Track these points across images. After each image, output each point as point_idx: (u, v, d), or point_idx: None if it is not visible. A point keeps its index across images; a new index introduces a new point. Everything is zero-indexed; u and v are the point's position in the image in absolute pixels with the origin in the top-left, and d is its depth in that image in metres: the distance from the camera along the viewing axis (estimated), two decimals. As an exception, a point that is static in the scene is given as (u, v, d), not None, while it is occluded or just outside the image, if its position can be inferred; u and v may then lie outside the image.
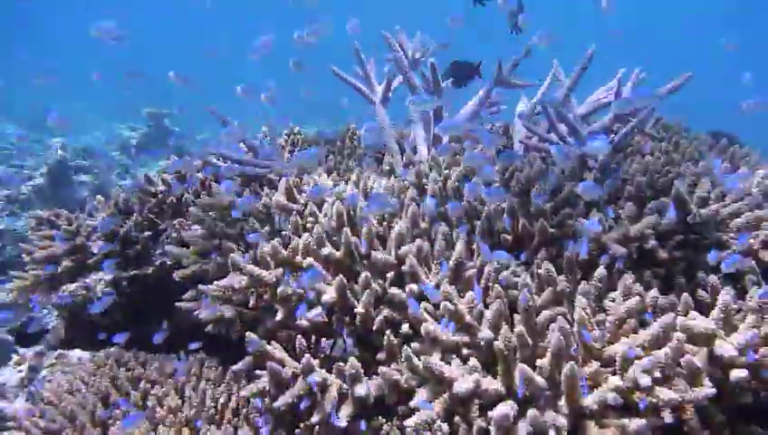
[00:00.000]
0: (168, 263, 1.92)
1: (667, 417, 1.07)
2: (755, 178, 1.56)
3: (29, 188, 4.56)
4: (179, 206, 2.03)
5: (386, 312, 1.37)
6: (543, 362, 1.17)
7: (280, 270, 1.47)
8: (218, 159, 1.96)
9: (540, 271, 1.34)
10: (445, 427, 1.13)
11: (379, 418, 1.23)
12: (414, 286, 1.35)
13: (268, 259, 1.48)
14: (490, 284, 1.36)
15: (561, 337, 1.14)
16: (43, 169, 4.80)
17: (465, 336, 1.26)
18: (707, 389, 1.08)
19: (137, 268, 1.97)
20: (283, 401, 1.26)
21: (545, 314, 1.27)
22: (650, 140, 1.85)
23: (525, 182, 1.54)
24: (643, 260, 1.39)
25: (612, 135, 1.75)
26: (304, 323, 1.38)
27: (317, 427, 1.23)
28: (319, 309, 1.38)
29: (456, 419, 1.15)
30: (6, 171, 4.71)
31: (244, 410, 1.37)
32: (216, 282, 1.54)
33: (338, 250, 1.45)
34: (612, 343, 1.20)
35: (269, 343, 1.36)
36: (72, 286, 1.96)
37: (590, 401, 1.10)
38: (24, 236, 3.53)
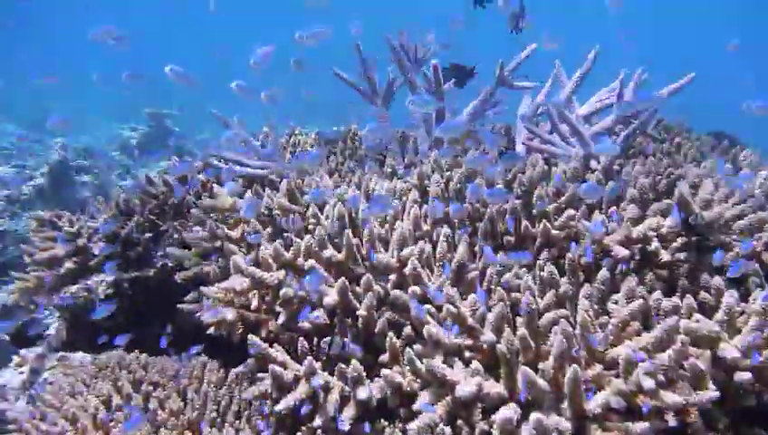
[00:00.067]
0: (170, 264, 1.92)
1: (671, 420, 1.07)
2: (758, 180, 1.55)
3: (30, 189, 4.56)
4: (181, 207, 2.03)
5: (388, 314, 1.37)
6: (546, 365, 1.17)
7: (282, 272, 1.46)
8: (219, 161, 1.96)
9: (542, 273, 1.34)
10: (447, 430, 1.13)
11: (382, 421, 1.23)
12: (416, 288, 1.35)
13: (270, 261, 1.48)
14: (492, 286, 1.36)
15: (564, 340, 1.14)
16: (43, 170, 4.81)
17: (467, 339, 1.25)
18: (711, 392, 1.07)
19: (138, 270, 1.97)
20: (284, 404, 1.26)
21: (548, 316, 1.27)
22: (652, 142, 1.85)
23: (528, 184, 1.54)
24: (646, 262, 1.39)
25: (614, 137, 1.75)
26: (306, 325, 1.38)
27: (319, 430, 1.23)
28: (321, 311, 1.38)
29: (459, 422, 1.15)
30: (8, 172, 4.71)
31: (246, 412, 1.37)
32: (217, 284, 1.54)
33: (339, 252, 1.45)
34: (615, 346, 1.20)
35: (271, 346, 1.36)
36: (73, 288, 1.96)
37: (593, 404, 1.10)
38: (25, 237, 3.54)
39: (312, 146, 2.31)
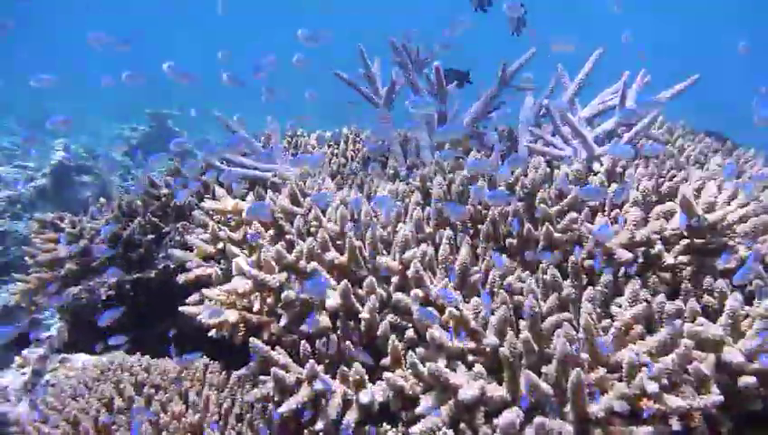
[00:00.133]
0: (172, 266, 1.92)
1: (675, 424, 1.07)
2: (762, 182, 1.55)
3: (31, 190, 4.56)
4: (183, 209, 2.03)
5: (390, 317, 1.36)
6: (549, 368, 1.17)
7: (284, 274, 1.46)
8: (221, 162, 1.96)
9: (545, 276, 1.33)
10: (450, 434, 1.12)
11: (384, 424, 1.23)
12: (418, 291, 1.35)
13: (272, 263, 1.47)
14: (495, 289, 1.36)
15: (567, 343, 1.14)
16: (45, 170, 4.81)
17: (470, 342, 1.25)
18: (715, 396, 1.07)
19: (140, 271, 1.97)
20: (287, 407, 1.26)
21: (551, 319, 1.26)
22: (656, 144, 1.85)
23: (530, 186, 1.53)
24: (649, 265, 1.39)
25: (616, 139, 1.75)
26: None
27: (321, 434, 1.23)
28: (323, 314, 1.37)
29: (462, 425, 1.15)
30: (9, 172, 4.71)
31: (248, 415, 1.36)
32: (219, 286, 1.54)
33: (342, 255, 1.45)
34: (619, 350, 1.19)
35: (273, 348, 1.35)
36: (75, 289, 1.96)
37: (596, 407, 1.10)
38: (26, 238, 3.53)
39: (314, 147, 2.31)
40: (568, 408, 1.12)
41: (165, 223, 2.04)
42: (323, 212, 1.60)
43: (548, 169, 1.60)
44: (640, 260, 1.38)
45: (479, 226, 1.53)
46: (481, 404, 1.15)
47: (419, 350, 1.27)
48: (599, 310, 1.27)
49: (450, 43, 2.11)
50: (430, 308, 1.30)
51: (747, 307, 1.21)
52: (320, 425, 1.23)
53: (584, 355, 1.19)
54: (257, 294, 1.49)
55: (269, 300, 1.49)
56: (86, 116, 8.79)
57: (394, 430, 1.22)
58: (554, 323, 1.25)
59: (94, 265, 2.02)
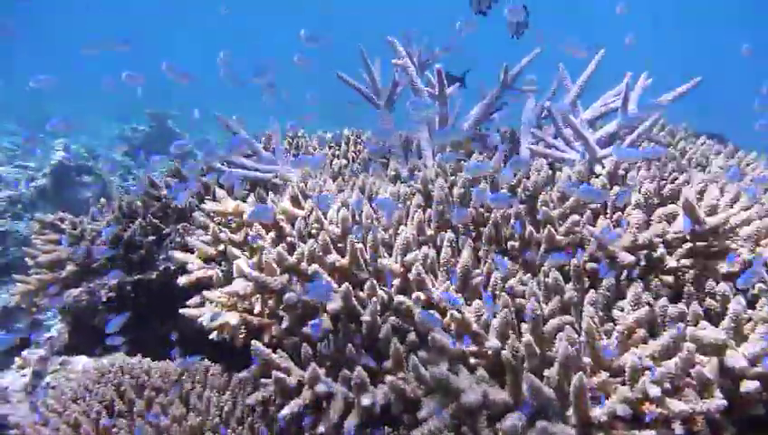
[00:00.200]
0: (172, 268, 1.92)
1: (678, 429, 1.06)
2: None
3: (32, 190, 4.56)
4: (183, 210, 2.03)
5: (392, 320, 1.36)
6: (551, 372, 1.16)
7: (286, 276, 1.46)
8: (222, 163, 1.96)
9: (547, 279, 1.33)
10: (452, 438, 1.12)
11: (386, 428, 1.22)
12: (420, 294, 1.34)
13: (274, 265, 1.47)
14: (497, 292, 1.35)
15: (569, 347, 1.14)
16: (45, 170, 4.80)
17: (472, 345, 1.25)
18: (718, 400, 1.07)
19: (141, 273, 1.97)
20: (288, 410, 1.26)
21: (553, 323, 1.26)
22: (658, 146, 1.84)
23: (532, 189, 1.53)
24: (651, 268, 1.38)
25: (619, 142, 1.74)
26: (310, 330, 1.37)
27: (323, 437, 1.23)
28: (325, 316, 1.37)
29: (464, 429, 1.15)
30: (9, 172, 4.70)
31: (249, 418, 1.36)
32: (220, 288, 1.53)
33: (343, 257, 1.44)
34: (621, 353, 1.19)
35: (274, 351, 1.35)
36: (76, 291, 1.96)
37: (598, 411, 1.10)
38: (26, 238, 3.53)
39: (315, 148, 2.31)
40: (570, 412, 1.11)
41: (165, 224, 2.04)
42: (324, 214, 1.60)
43: (550, 172, 1.60)
44: (642, 263, 1.38)
45: (481, 228, 1.52)
46: (483, 408, 1.14)
47: (421, 353, 1.27)
48: (601, 313, 1.27)
49: (451, 46, 2.10)
50: (432, 311, 1.30)
51: (750, 311, 1.21)
52: (321, 428, 1.23)
53: (586, 359, 1.18)
54: (258, 296, 1.49)
55: (270, 302, 1.49)
56: (86, 116, 8.78)
57: (395, 433, 1.22)
58: (556, 326, 1.25)
59: (95, 266, 2.01)
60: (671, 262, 1.36)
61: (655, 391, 1.06)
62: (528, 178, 1.57)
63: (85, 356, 1.87)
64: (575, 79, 1.90)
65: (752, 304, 1.23)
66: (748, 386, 1.09)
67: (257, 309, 1.48)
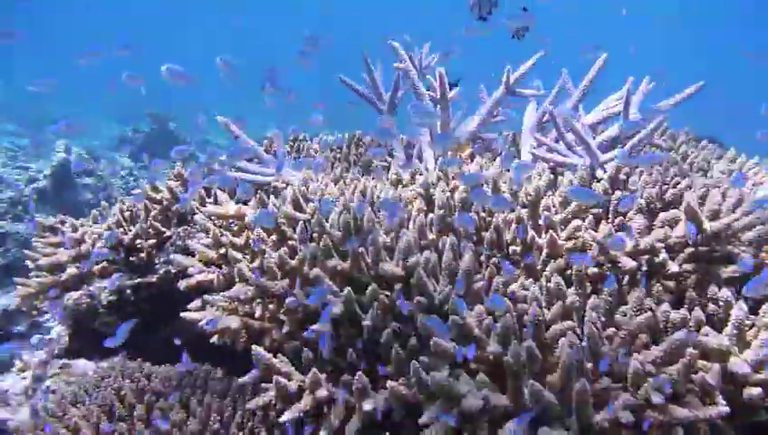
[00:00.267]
0: (173, 271, 1.91)
1: (680, 435, 1.06)
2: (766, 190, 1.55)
3: (29, 190, 4.55)
4: (185, 213, 2.02)
5: (393, 324, 1.36)
6: (554, 377, 1.16)
7: (287, 281, 1.45)
8: (223, 166, 1.95)
9: (549, 284, 1.33)
10: (454, 443, 1.12)
11: (387, 434, 1.22)
12: (422, 298, 1.34)
13: (275, 269, 1.47)
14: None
15: (572, 352, 1.13)
16: (46, 172, 4.80)
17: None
18: (721, 407, 1.07)
19: (141, 276, 1.96)
20: (289, 415, 1.25)
21: (555, 328, 1.26)
22: (659, 151, 1.84)
23: (534, 194, 1.53)
24: (654, 273, 1.38)
25: (620, 146, 1.74)
26: (311, 335, 1.37)
27: (324, 442, 1.22)
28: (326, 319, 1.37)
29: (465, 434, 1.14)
30: (10, 173, 4.70)
31: (250, 423, 1.36)
32: (221, 292, 1.53)
33: (345, 261, 1.44)
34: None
35: (275, 356, 1.35)
36: (76, 294, 1.95)
37: (600, 417, 1.09)
38: (27, 239, 3.53)
39: (317, 151, 2.30)
40: (572, 418, 1.11)
41: (167, 227, 2.04)
42: (326, 218, 1.60)
43: (552, 176, 1.60)
44: (644, 268, 1.37)
45: (482, 233, 1.52)
46: (485, 414, 1.14)
47: (422, 358, 1.27)
48: (603, 319, 1.26)
49: (453, 50, 2.10)
50: (433, 316, 1.29)
51: (752, 316, 1.21)
52: (323, 433, 1.22)
53: (588, 364, 1.18)
54: (259, 300, 1.48)
55: (271, 306, 1.49)
56: (86, 117, 8.77)
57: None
58: (558, 331, 1.25)
59: (95, 269, 2.01)
60: (673, 267, 1.36)
61: (657, 397, 1.06)
62: (530, 182, 1.57)
63: (85, 360, 1.86)
64: (577, 83, 1.90)
65: (753, 309, 1.23)
66: (751, 392, 1.09)
67: (258, 313, 1.48)
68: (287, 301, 1.39)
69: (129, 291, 1.96)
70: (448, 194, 1.60)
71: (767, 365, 1.10)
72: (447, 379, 1.17)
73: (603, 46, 1.92)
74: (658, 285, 1.35)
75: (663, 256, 1.36)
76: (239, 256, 1.62)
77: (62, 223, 2.18)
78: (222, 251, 1.69)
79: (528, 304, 1.29)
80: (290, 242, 1.58)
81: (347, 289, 1.34)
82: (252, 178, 1.92)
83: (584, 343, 1.19)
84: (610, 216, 1.49)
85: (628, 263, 1.34)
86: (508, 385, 1.17)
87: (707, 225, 1.35)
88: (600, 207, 1.52)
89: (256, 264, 1.56)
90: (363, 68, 2.09)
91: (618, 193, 1.50)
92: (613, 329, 1.24)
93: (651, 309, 1.25)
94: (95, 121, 8.79)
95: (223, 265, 1.69)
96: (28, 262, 2.12)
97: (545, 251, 1.43)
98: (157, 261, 1.98)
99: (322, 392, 1.24)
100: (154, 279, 1.96)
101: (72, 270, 2.00)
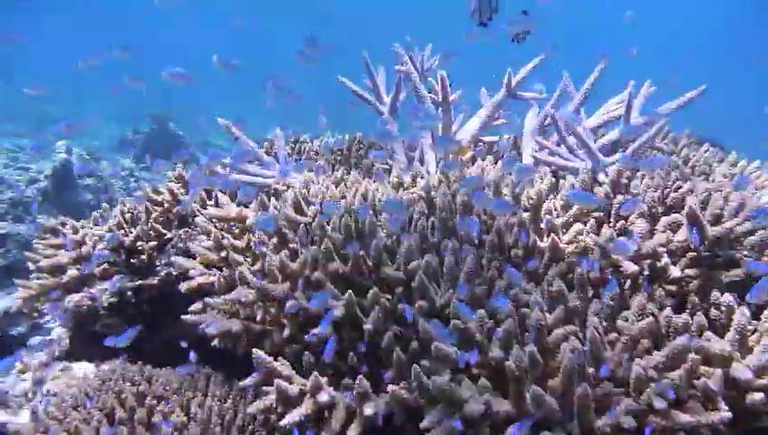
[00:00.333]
0: (174, 274, 1.91)
1: (683, 441, 1.06)
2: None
3: (33, 192, 4.55)
4: (185, 216, 2.02)
5: (394, 328, 1.35)
6: (555, 382, 1.16)
7: (288, 284, 1.45)
8: (224, 168, 1.95)
9: (551, 288, 1.32)
10: (455, 449, 1.11)
11: (389, 438, 1.22)
12: (423, 302, 1.34)
13: (276, 272, 1.47)
14: (500, 301, 1.35)
15: (574, 357, 1.13)
16: (47, 172, 4.80)
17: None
18: (723, 412, 1.06)
19: (142, 278, 1.96)
20: (290, 419, 1.25)
21: (557, 332, 1.25)
22: (660, 155, 1.84)
23: (536, 197, 1.53)
24: (655, 278, 1.38)
25: (622, 150, 1.74)
26: (312, 339, 1.37)
27: (325, 446, 1.22)
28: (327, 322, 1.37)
29: (467, 440, 1.14)
30: (11, 174, 4.70)
31: (250, 427, 1.36)
32: (222, 295, 1.53)
33: (346, 264, 1.44)
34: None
35: (276, 359, 1.34)
36: (77, 296, 1.95)
37: (602, 423, 1.09)
38: (28, 241, 3.53)
39: (318, 153, 2.30)
40: (574, 423, 1.11)
41: (168, 229, 2.04)
42: (327, 221, 1.59)
43: (553, 180, 1.60)
44: (646, 273, 1.37)
45: (484, 236, 1.52)
46: (486, 418, 1.14)
47: (424, 362, 1.26)
48: (605, 323, 1.26)
49: (454, 54, 2.10)
50: (435, 320, 1.29)
51: (755, 322, 1.20)
52: (324, 438, 1.22)
53: (590, 369, 1.18)
54: (261, 303, 1.48)
55: (272, 310, 1.49)
56: (86, 117, 8.78)
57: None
58: (560, 336, 1.24)
59: (96, 271, 2.01)
60: (675, 271, 1.35)
61: (660, 403, 1.06)
62: (532, 185, 1.57)
63: (86, 362, 1.86)
64: (579, 87, 1.90)
65: (755, 315, 1.23)
66: (753, 398, 1.09)
67: (259, 316, 1.48)
68: (288, 304, 1.38)
69: (129, 293, 1.96)
70: (450, 197, 1.59)
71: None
72: (449, 383, 1.17)
73: (607, 52, 1.92)
74: (660, 289, 1.34)
75: (665, 260, 1.36)
76: (240, 258, 1.61)
77: (63, 225, 2.18)
78: (223, 254, 1.69)
79: (530, 309, 1.29)
80: (291, 245, 1.58)
81: (348, 292, 1.33)
82: (252, 181, 1.92)
83: (586, 348, 1.18)
84: (612, 219, 1.49)
85: (630, 267, 1.34)
86: (510, 390, 1.17)
87: (709, 229, 1.35)
88: (602, 210, 1.52)
89: (257, 267, 1.55)
90: (364, 69, 2.08)
91: (619, 197, 1.50)
92: (615, 334, 1.24)
93: (653, 314, 1.25)
94: (95, 122, 8.79)
95: (224, 268, 1.68)
96: (29, 263, 2.12)
97: (547, 255, 1.43)
98: (158, 263, 1.98)
99: (324, 396, 1.24)
100: (155, 281, 1.96)
101: (72, 272, 2.00)
